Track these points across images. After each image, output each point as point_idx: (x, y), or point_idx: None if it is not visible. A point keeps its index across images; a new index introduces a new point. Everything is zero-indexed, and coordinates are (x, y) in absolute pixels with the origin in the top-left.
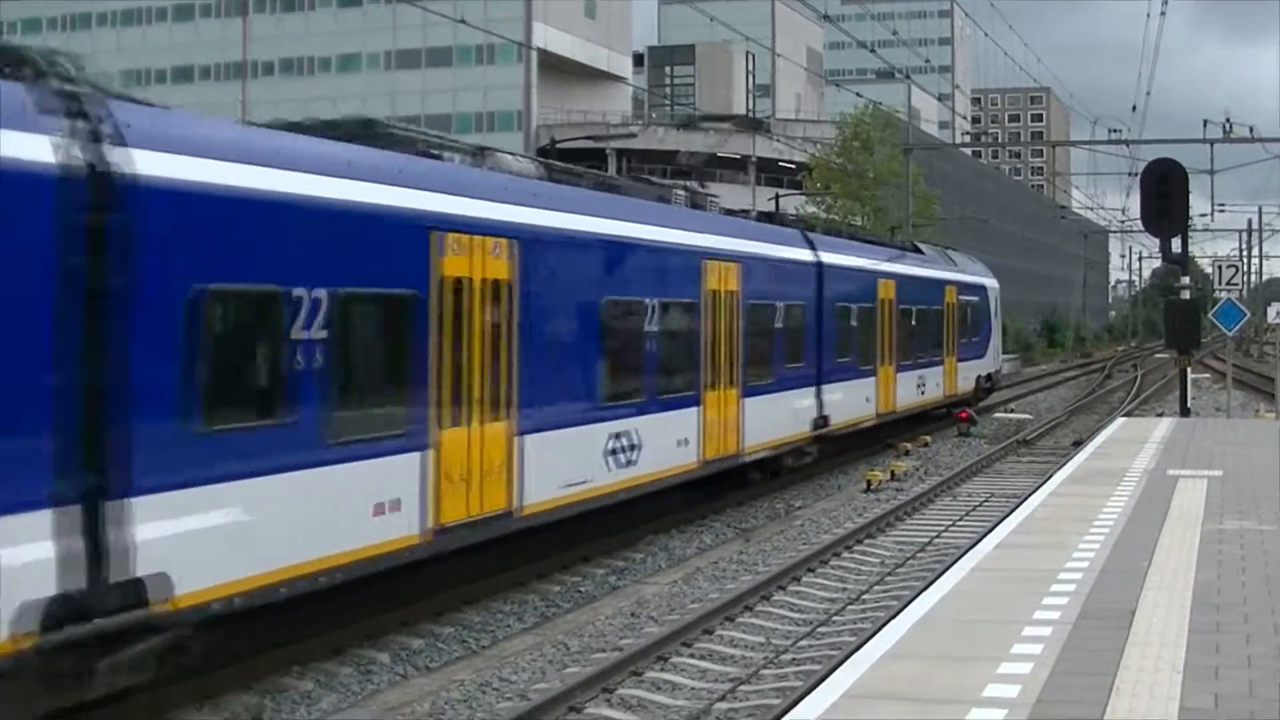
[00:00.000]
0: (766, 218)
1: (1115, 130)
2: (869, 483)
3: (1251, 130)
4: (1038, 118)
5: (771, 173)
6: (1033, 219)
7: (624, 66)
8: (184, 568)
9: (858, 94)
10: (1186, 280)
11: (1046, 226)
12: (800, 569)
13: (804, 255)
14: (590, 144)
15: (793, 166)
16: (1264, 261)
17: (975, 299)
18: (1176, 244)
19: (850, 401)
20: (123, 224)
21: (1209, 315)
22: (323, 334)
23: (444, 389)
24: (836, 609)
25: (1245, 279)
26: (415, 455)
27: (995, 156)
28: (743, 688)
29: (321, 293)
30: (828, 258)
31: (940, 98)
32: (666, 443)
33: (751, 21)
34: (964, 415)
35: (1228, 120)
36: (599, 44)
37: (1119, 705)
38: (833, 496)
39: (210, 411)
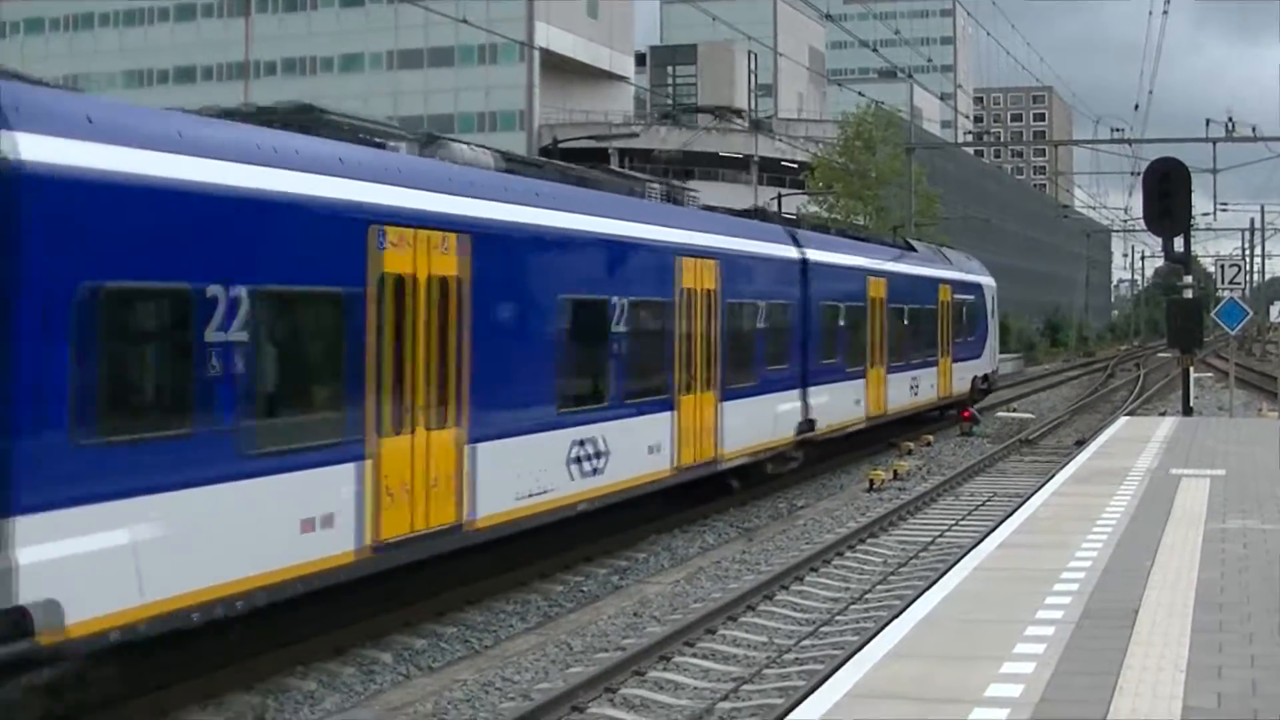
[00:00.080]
0: (753, 214)
1: (1118, 129)
2: (871, 482)
3: (1254, 129)
4: (1040, 117)
5: (774, 172)
6: (1035, 218)
7: (626, 66)
8: (77, 593)
9: (860, 93)
10: (1189, 279)
11: (1049, 226)
12: (803, 568)
13: (788, 252)
14: (593, 144)
15: (795, 166)
16: (1266, 260)
17: (971, 298)
18: (1179, 243)
19: (838, 404)
20: (2, 214)
21: (1211, 314)
22: (242, 335)
23: (384, 394)
24: (839, 608)
25: (1248, 278)
26: (351, 466)
27: (997, 156)
28: (745, 687)
29: (241, 291)
30: (814, 255)
31: (942, 97)
32: (636, 449)
33: (753, 21)
34: (966, 414)
35: (1230, 119)
36: (601, 44)
37: (1122, 705)
38: (835, 496)
39: (107, 422)
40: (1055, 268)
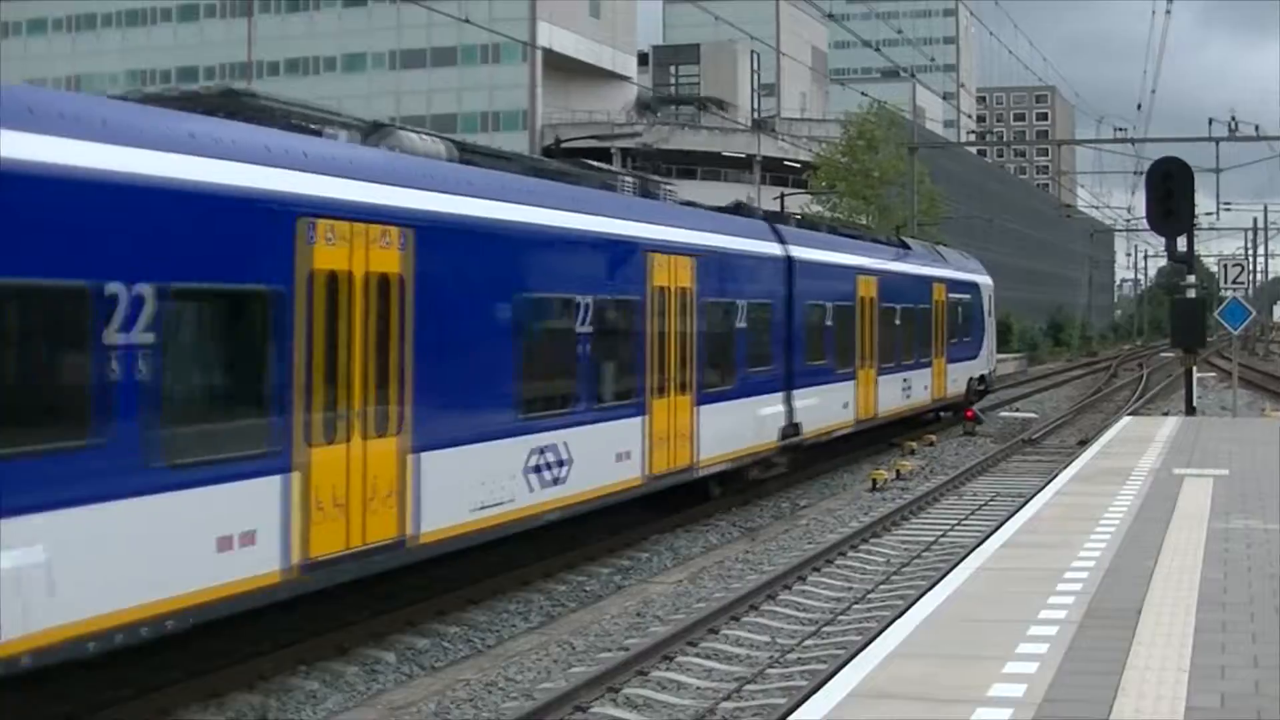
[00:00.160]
0: (735, 210)
1: (1120, 129)
2: (874, 482)
3: (1257, 129)
4: (1043, 116)
5: (777, 172)
6: (1038, 218)
7: (629, 66)
8: None
9: (863, 93)
10: (1192, 279)
11: (1052, 225)
12: (806, 568)
13: (771, 249)
14: (595, 143)
15: (798, 166)
16: (1269, 260)
17: (967, 297)
18: (1182, 243)
19: (825, 408)
20: None
21: (1214, 314)
22: (149, 337)
23: (315, 401)
24: (842, 608)
25: (1250, 278)
26: (276, 479)
27: (1000, 155)
28: (748, 687)
29: (146, 289)
30: (798, 252)
31: (945, 96)
32: (604, 457)
33: (756, 20)
34: (970, 414)
35: (1233, 119)
36: (604, 43)
37: (1124, 705)
38: (838, 495)
39: None
40: (1058, 267)
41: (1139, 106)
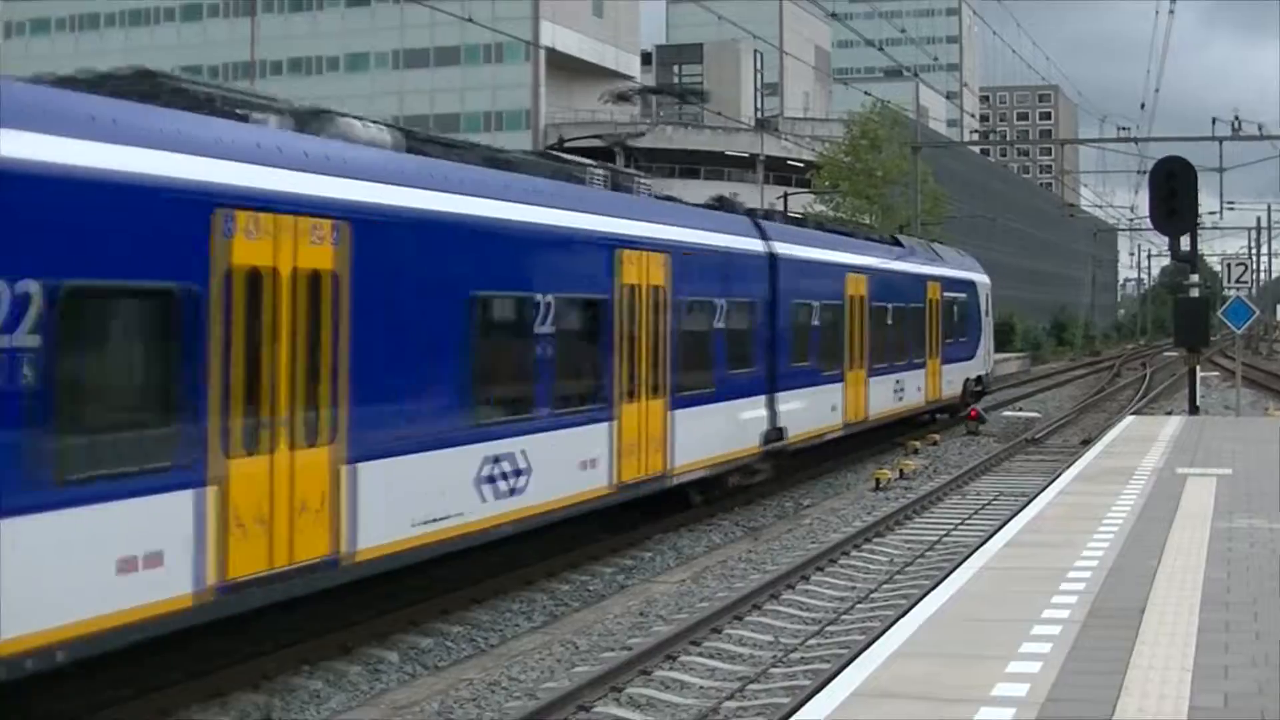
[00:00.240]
0: (716, 205)
1: (1124, 128)
2: (878, 481)
3: (1260, 128)
4: (1046, 116)
5: (781, 171)
6: (1041, 217)
7: (632, 65)
8: None
9: (866, 92)
10: (1195, 278)
11: (1055, 225)
12: (809, 568)
13: (753, 245)
14: (598, 143)
15: (801, 165)
16: (1273, 259)
17: (963, 296)
18: (1185, 242)
19: (811, 411)
20: None
21: (1218, 313)
22: (34, 340)
23: (233, 408)
24: (845, 607)
25: (1254, 277)
26: (186, 494)
27: (1003, 155)
28: (752, 686)
29: (32, 287)
30: (783, 249)
31: (948, 96)
32: (566, 465)
33: (759, 20)
34: (973, 414)
35: (1236, 118)
36: (607, 43)
37: (1128, 704)
38: (841, 495)
39: None
40: (1061, 267)
41: (1142, 106)
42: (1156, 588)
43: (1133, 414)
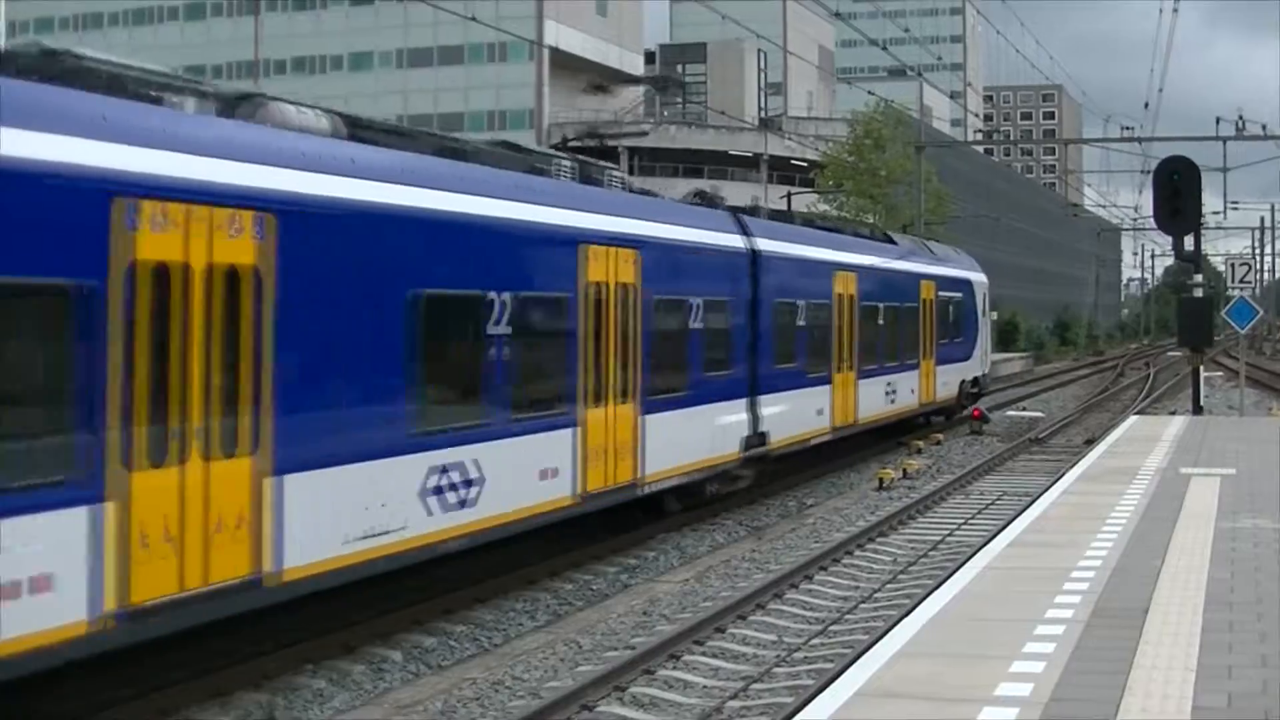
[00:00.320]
0: (696, 200)
1: (1127, 128)
2: (881, 481)
3: (1264, 128)
4: (1050, 115)
5: (784, 171)
6: (1045, 217)
7: (635, 65)
8: None
9: (869, 92)
10: (1199, 278)
11: (1059, 224)
12: (812, 567)
13: (733, 242)
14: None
15: (805, 165)
16: (1276, 259)
17: (958, 295)
18: (1189, 242)
19: (796, 414)
20: None
21: (1222, 313)
22: None
23: (137, 418)
24: (849, 607)
25: (1258, 277)
26: (80, 511)
27: (1007, 154)
28: (755, 686)
29: None
30: (765, 245)
31: (952, 95)
32: (524, 475)
33: (763, 19)
34: (976, 413)
35: (1240, 118)
36: (610, 42)
37: (1131, 704)
38: (845, 494)
39: None
40: (1065, 266)
41: (1146, 105)
42: (1160, 588)
43: (1136, 414)
